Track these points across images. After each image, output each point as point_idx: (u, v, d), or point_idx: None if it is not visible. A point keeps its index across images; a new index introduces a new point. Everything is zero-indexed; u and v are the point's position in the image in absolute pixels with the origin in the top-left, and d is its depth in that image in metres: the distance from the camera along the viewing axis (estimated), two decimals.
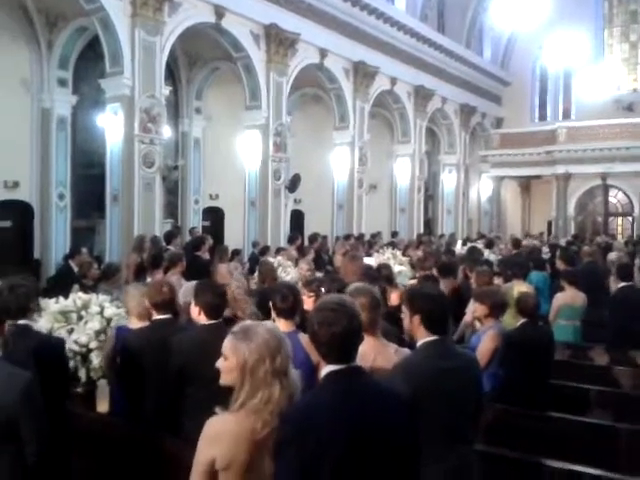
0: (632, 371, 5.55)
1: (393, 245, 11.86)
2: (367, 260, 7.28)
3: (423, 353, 2.78)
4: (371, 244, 12.40)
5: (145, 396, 3.58)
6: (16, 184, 11.49)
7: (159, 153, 10.80)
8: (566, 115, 24.94)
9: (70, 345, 3.81)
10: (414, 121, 19.04)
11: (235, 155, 14.40)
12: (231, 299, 4.76)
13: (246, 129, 13.49)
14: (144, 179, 10.50)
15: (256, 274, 7.35)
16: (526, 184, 25.61)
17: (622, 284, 6.56)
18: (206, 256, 8.56)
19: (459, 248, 12.32)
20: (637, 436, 3.88)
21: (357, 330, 2.10)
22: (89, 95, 12.39)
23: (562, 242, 14.32)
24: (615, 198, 22.86)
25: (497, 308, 4.73)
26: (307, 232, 14.87)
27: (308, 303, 3.96)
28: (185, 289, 4.83)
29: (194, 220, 15.27)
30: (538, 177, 23.68)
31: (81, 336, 3.94)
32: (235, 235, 14.31)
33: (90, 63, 12.19)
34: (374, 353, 2.96)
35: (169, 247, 8.31)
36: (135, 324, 3.96)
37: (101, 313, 4.13)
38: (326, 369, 2.07)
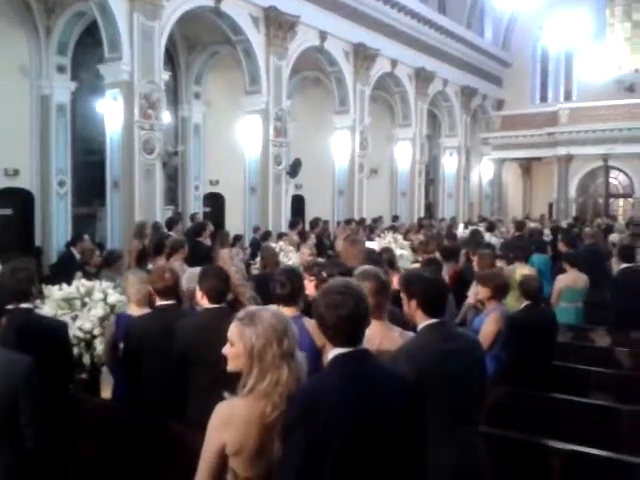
0: (634, 352, 5.56)
1: (394, 229, 11.85)
2: (370, 244, 7.28)
3: (425, 336, 2.78)
4: (372, 229, 12.40)
5: (149, 382, 3.59)
6: (16, 172, 11.47)
7: (159, 139, 10.76)
8: (567, 96, 24.80)
9: (74, 332, 3.83)
10: (415, 104, 18.94)
11: (235, 140, 14.35)
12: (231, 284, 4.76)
13: (246, 114, 13.43)
14: (144, 165, 10.48)
15: (258, 259, 7.37)
16: (527, 166, 25.53)
17: (624, 265, 6.57)
18: (207, 242, 8.57)
19: (461, 231, 12.31)
20: (639, 417, 3.91)
21: (364, 313, 2.10)
22: (88, 81, 12.32)
23: (563, 224, 14.30)
24: (616, 179, 22.81)
25: (500, 290, 4.73)
26: (308, 217, 14.87)
27: (309, 288, 3.95)
28: (188, 275, 4.84)
29: (194, 206, 15.25)
30: (539, 159, 23.60)
31: (85, 323, 3.95)
32: (236, 221, 14.31)
33: (89, 49, 12.10)
34: (380, 337, 2.97)
35: (171, 233, 8.31)
36: (135, 311, 3.97)
37: (104, 300, 4.14)
38: (333, 352, 2.07)
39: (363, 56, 16.05)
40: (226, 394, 2.19)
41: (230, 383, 2.81)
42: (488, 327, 4.48)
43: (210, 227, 8.78)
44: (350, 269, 4.83)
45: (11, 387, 2.43)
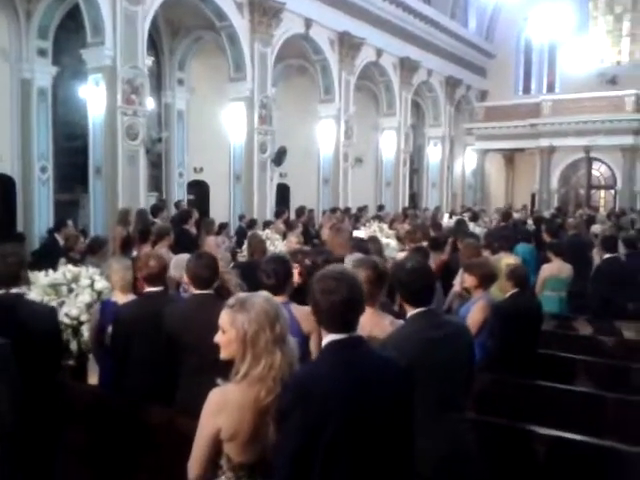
0: (616, 341, 5.65)
1: (379, 219, 11.88)
2: (357, 233, 7.30)
3: (412, 325, 2.81)
4: (358, 218, 12.42)
5: (137, 368, 3.58)
6: None
7: (143, 125, 10.65)
8: (550, 88, 24.96)
9: (61, 318, 3.79)
10: (399, 93, 18.94)
11: (219, 128, 14.25)
12: None
13: (231, 101, 13.33)
14: (128, 151, 10.37)
15: (244, 247, 7.35)
16: (510, 157, 25.71)
17: (607, 255, 6.66)
18: (193, 230, 8.53)
19: (446, 221, 12.38)
20: (623, 404, 3.97)
21: (358, 300, 2.10)
22: (70, 66, 12.13)
23: (546, 215, 14.44)
24: (598, 171, 23.04)
25: (486, 279, 4.76)
26: (293, 206, 14.83)
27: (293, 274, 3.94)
28: (174, 262, 4.81)
29: (179, 193, 15.15)
30: (522, 150, 23.76)
31: (72, 309, 3.92)
32: (220, 209, 14.23)
33: (70, 33, 11.90)
34: (370, 324, 2.98)
35: (156, 220, 8.25)
36: (120, 297, 3.95)
37: (91, 286, 4.11)
38: (327, 338, 2.08)
39: (348, 45, 16.00)
40: (219, 380, 2.19)
41: (216, 368, 2.82)
42: (474, 315, 4.51)
43: (196, 215, 8.75)
44: (337, 258, 4.85)
45: None
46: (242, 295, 2.30)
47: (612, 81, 22.66)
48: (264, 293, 2.35)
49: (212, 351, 3.10)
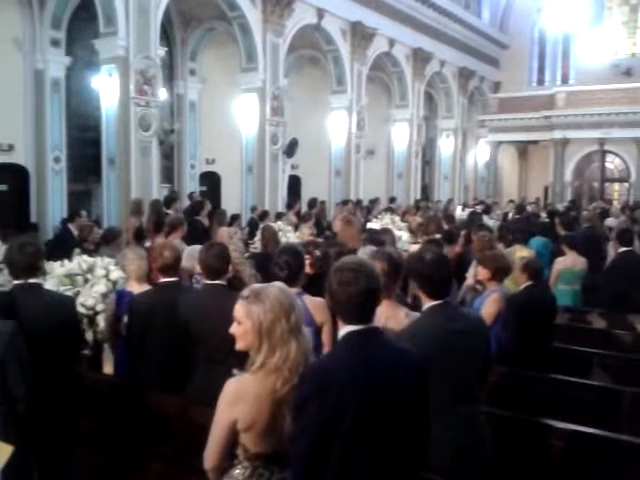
0: (630, 335, 5.61)
1: (391, 211, 11.84)
2: (372, 225, 7.27)
3: (428, 317, 2.80)
4: (369, 210, 12.39)
5: (153, 357, 3.59)
6: (11, 147, 11.33)
7: (155, 116, 10.65)
8: (564, 80, 24.71)
9: (77, 308, 3.80)
10: (412, 85, 18.82)
11: (231, 119, 14.22)
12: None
13: (243, 92, 13.30)
14: (141, 142, 10.38)
15: (256, 239, 7.35)
16: (523, 149, 25.51)
17: (622, 249, 6.60)
18: (205, 221, 8.54)
19: (458, 214, 12.32)
20: (639, 398, 3.94)
21: (376, 291, 2.09)
22: (83, 56, 12.12)
23: (559, 207, 14.34)
24: (612, 164, 22.83)
25: (500, 272, 4.73)
26: (304, 198, 14.80)
27: None
28: (187, 253, 4.83)
29: (190, 185, 15.14)
30: (535, 142, 23.57)
31: (87, 299, 3.93)
32: (232, 200, 14.23)
33: (83, 23, 11.88)
34: (385, 316, 2.97)
35: (169, 211, 8.27)
36: (135, 287, 3.96)
37: (107, 276, 4.12)
38: (345, 329, 2.08)
39: (361, 35, 15.88)
40: (235, 371, 2.19)
41: (227, 358, 2.82)
42: (488, 307, 4.48)
43: (208, 206, 8.76)
44: (350, 250, 4.84)
45: None
46: (256, 286, 2.30)
47: (627, 73, 22.40)
48: (278, 283, 2.35)
49: (223, 341, 3.12)
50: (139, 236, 6.65)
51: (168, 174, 14.75)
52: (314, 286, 3.71)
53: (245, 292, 2.23)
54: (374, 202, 13.89)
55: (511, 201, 16.82)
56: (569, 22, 22.22)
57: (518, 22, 24.59)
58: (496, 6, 24.45)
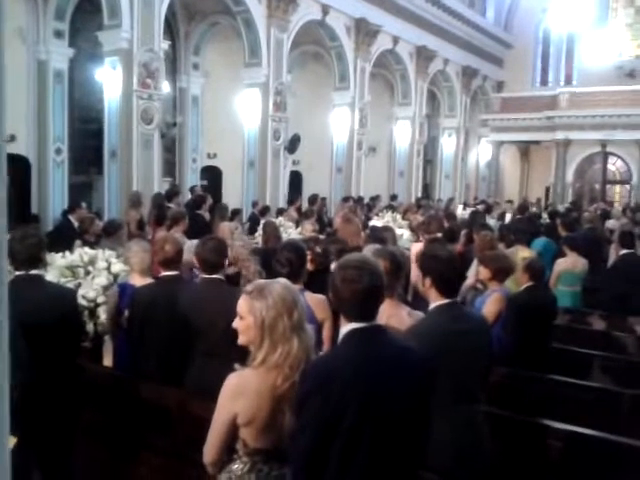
0: (631, 337, 5.61)
1: (392, 209, 11.82)
2: (374, 222, 7.26)
3: (435, 317, 2.79)
4: (370, 207, 12.37)
5: (153, 350, 3.59)
6: (13, 138, 11.30)
7: (158, 109, 10.64)
8: (568, 80, 24.69)
9: (78, 300, 3.80)
10: (415, 83, 18.79)
11: (234, 113, 14.20)
12: (234, 258, 4.75)
13: (246, 87, 13.28)
14: (143, 135, 10.38)
15: (257, 234, 7.35)
16: (525, 149, 25.49)
17: (624, 251, 6.59)
18: (206, 215, 8.53)
19: (459, 213, 12.31)
20: (638, 400, 3.94)
21: (379, 288, 2.09)
22: (86, 48, 12.10)
23: (560, 208, 14.33)
24: (614, 166, 22.82)
25: (501, 272, 4.72)
26: (305, 194, 14.80)
27: None
28: (188, 247, 4.82)
29: (192, 179, 15.12)
30: (537, 143, 23.56)
31: (89, 291, 3.93)
32: (233, 195, 14.22)
33: (87, 15, 11.87)
34: (387, 315, 2.97)
35: (170, 205, 8.26)
36: (138, 280, 3.94)
37: (108, 269, 4.12)
38: (348, 327, 2.07)
39: (365, 32, 15.86)
40: (237, 365, 2.20)
41: (224, 352, 2.82)
42: (490, 307, 4.48)
43: (210, 200, 8.74)
44: (353, 247, 4.83)
45: None
46: (260, 282, 2.30)
47: (630, 75, 22.35)
48: (282, 280, 2.35)
49: (221, 334, 3.14)
50: (140, 229, 6.66)
51: (169, 168, 14.74)
52: (314, 282, 3.72)
53: (249, 287, 2.24)
54: (375, 199, 13.89)
55: (508, 201, 16.78)
56: (574, 23, 22.17)
57: (523, 22, 24.54)
58: (501, 5, 24.41)
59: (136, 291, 3.70)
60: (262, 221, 7.96)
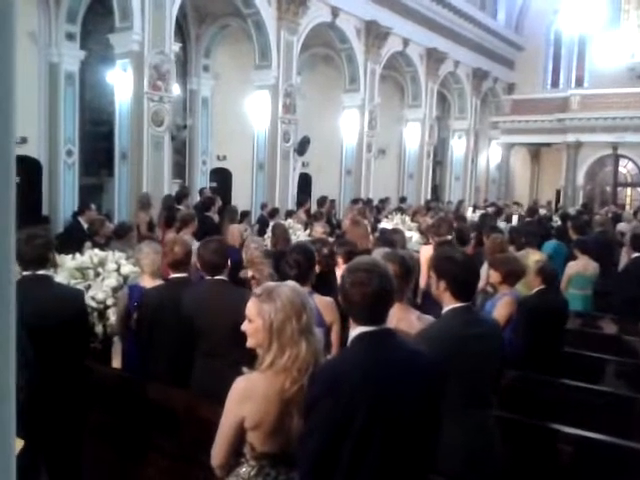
0: None
1: (402, 211, 11.79)
2: (384, 224, 7.24)
3: (448, 320, 2.76)
4: (379, 209, 12.35)
5: (161, 352, 3.59)
6: (24, 140, 11.38)
7: (168, 111, 10.67)
8: (579, 82, 24.53)
9: (87, 301, 3.81)
10: (425, 85, 18.74)
11: (244, 115, 14.22)
12: (249, 261, 4.74)
13: (255, 89, 13.30)
14: (153, 137, 10.40)
15: (265, 236, 7.34)
16: (536, 152, 25.36)
17: (635, 254, 6.53)
18: (215, 217, 8.54)
19: (469, 215, 12.25)
20: None
21: (389, 292, 2.07)
22: (98, 50, 12.17)
23: (571, 211, 14.24)
24: (625, 168, 22.65)
25: (511, 275, 4.69)
26: (314, 196, 14.79)
27: None
28: (195, 249, 4.82)
29: (201, 181, 15.16)
30: (548, 145, 23.43)
31: (98, 293, 3.94)
32: (242, 197, 14.23)
33: (99, 18, 11.93)
34: (397, 319, 2.95)
35: (180, 207, 8.28)
36: (148, 282, 3.95)
37: (118, 270, 4.12)
38: (357, 330, 2.06)
39: (375, 34, 15.84)
40: (245, 369, 2.19)
41: (226, 353, 2.80)
42: (500, 310, 4.44)
43: (219, 202, 8.75)
44: (363, 250, 4.82)
45: None
46: (269, 285, 2.29)
47: None
48: (291, 283, 2.34)
49: (222, 335, 3.14)
50: (151, 230, 6.67)
51: (179, 170, 14.78)
52: (320, 283, 3.70)
53: (258, 290, 2.23)
54: (384, 202, 13.85)
55: (515, 203, 16.70)
56: (585, 24, 22.02)
57: (534, 23, 24.42)
58: (512, 7, 24.30)
59: (145, 293, 3.71)
60: (271, 223, 7.96)
